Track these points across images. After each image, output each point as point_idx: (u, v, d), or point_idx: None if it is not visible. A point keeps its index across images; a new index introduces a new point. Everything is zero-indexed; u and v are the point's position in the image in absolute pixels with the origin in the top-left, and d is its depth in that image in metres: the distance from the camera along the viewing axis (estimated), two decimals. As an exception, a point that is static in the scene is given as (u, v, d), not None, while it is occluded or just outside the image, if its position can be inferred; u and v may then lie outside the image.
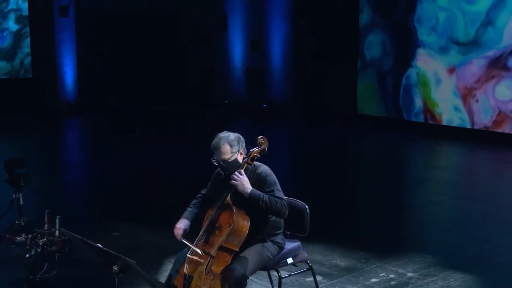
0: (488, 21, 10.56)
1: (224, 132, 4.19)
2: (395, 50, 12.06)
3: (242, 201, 4.09)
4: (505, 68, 10.45)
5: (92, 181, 8.83)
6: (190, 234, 4.17)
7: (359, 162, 10.05)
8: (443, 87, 11.34)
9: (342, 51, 12.79)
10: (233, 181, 4.06)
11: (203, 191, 4.43)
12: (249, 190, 4.05)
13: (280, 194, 4.13)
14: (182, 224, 4.23)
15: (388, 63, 12.18)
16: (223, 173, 4.24)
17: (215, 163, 4.17)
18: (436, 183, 8.32)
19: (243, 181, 4.05)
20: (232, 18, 14.76)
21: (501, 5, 10.37)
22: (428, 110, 11.57)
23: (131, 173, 8.86)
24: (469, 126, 11.00)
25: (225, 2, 14.86)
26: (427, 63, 11.53)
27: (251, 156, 4.18)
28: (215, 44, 15.23)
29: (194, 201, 4.40)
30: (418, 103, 11.72)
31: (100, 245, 3.50)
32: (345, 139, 11.49)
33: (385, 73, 12.23)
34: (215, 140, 4.15)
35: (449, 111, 11.28)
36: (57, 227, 3.94)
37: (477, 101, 10.85)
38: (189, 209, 4.35)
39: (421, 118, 11.70)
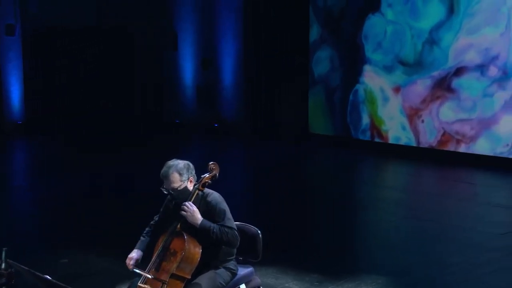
0: (433, 41, 10.78)
1: (173, 160, 4.17)
2: (342, 66, 12.16)
3: (194, 229, 4.08)
4: (449, 89, 10.66)
5: (38, 206, 8.61)
6: (142, 263, 4.14)
7: (309, 182, 10.08)
8: (389, 105, 11.48)
9: (293, 69, 12.87)
10: (183, 212, 4.05)
11: (156, 217, 4.39)
12: (199, 222, 4.05)
13: (231, 223, 4.13)
14: (134, 254, 4.21)
15: (336, 79, 12.27)
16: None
17: (165, 192, 4.15)
18: (385, 203, 8.41)
19: (193, 213, 4.05)
20: (183, 36, 14.73)
21: (446, 25, 10.59)
22: (375, 127, 11.70)
23: (79, 196, 8.68)
24: (415, 145, 11.16)
25: (175, 20, 14.84)
26: (374, 80, 11.67)
27: (202, 182, 4.19)
28: (166, 62, 15.16)
29: (146, 230, 4.37)
30: (365, 119, 11.84)
31: (48, 277, 3.41)
32: (296, 159, 11.53)
33: (333, 90, 12.32)
34: (164, 168, 4.13)
35: (396, 129, 11.42)
36: (3, 259, 3.83)
37: (422, 121, 11.03)
38: (142, 238, 4.34)
39: (367, 135, 11.81)
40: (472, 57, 10.33)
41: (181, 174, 4.11)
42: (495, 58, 10.09)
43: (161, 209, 4.38)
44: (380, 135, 11.64)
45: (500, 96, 10.08)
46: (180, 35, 14.70)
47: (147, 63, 15.29)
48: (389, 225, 7.42)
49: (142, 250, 4.24)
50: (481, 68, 10.25)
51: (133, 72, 15.46)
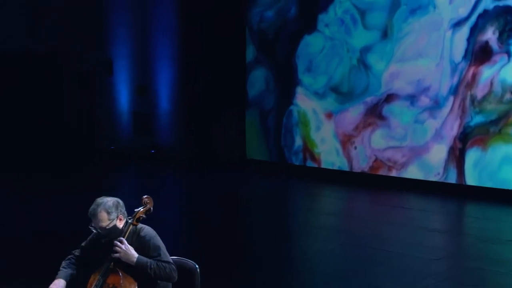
0: (367, 66, 10.93)
1: (102, 197, 4.11)
2: (277, 88, 12.18)
3: (129, 265, 3.97)
4: (380, 116, 10.79)
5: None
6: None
7: (246, 211, 10.00)
8: (323, 128, 11.53)
9: (230, 93, 12.84)
10: (116, 254, 3.95)
11: (76, 252, 4.27)
12: (135, 259, 3.97)
13: (167, 257, 4.06)
14: (58, 286, 4.05)
15: (270, 101, 12.27)
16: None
17: (93, 230, 4.06)
18: (323, 230, 8.42)
19: (127, 251, 3.96)
20: (118, 62, 14.56)
21: (378, 50, 10.72)
22: (307, 149, 11.73)
23: (3, 228, 8.32)
24: (348, 169, 11.24)
25: (110, 46, 14.65)
26: (306, 102, 11.72)
27: (136, 217, 4.12)
28: (100, 89, 14.93)
29: (67, 262, 4.23)
30: (298, 141, 11.87)
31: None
32: (233, 187, 11.42)
33: (267, 113, 12.32)
34: (92, 206, 4.06)
35: (329, 154, 11.46)
36: None
37: (355, 148, 11.13)
38: (64, 269, 4.17)
39: (300, 157, 11.82)
40: (402, 86, 10.45)
41: (109, 213, 4.04)
42: (426, 89, 10.23)
43: (87, 242, 4.25)
44: (312, 157, 11.67)
45: (431, 124, 10.22)
46: (115, 61, 14.53)
47: (81, 90, 15.00)
48: (329, 253, 7.41)
49: (66, 280, 4.11)
50: (412, 98, 10.37)
51: (64, 98, 15.10)
